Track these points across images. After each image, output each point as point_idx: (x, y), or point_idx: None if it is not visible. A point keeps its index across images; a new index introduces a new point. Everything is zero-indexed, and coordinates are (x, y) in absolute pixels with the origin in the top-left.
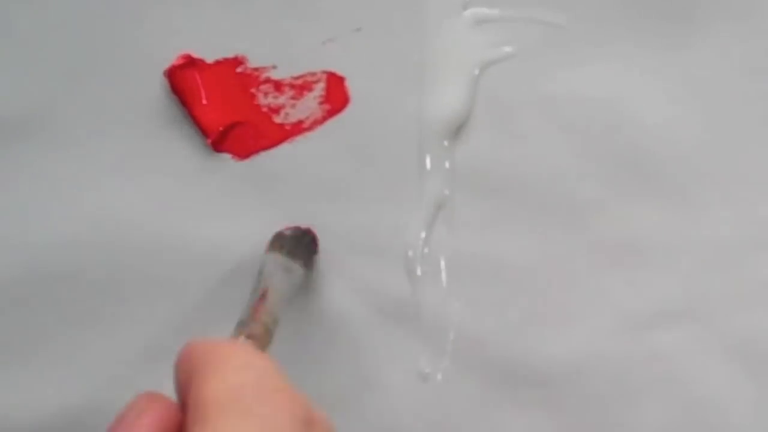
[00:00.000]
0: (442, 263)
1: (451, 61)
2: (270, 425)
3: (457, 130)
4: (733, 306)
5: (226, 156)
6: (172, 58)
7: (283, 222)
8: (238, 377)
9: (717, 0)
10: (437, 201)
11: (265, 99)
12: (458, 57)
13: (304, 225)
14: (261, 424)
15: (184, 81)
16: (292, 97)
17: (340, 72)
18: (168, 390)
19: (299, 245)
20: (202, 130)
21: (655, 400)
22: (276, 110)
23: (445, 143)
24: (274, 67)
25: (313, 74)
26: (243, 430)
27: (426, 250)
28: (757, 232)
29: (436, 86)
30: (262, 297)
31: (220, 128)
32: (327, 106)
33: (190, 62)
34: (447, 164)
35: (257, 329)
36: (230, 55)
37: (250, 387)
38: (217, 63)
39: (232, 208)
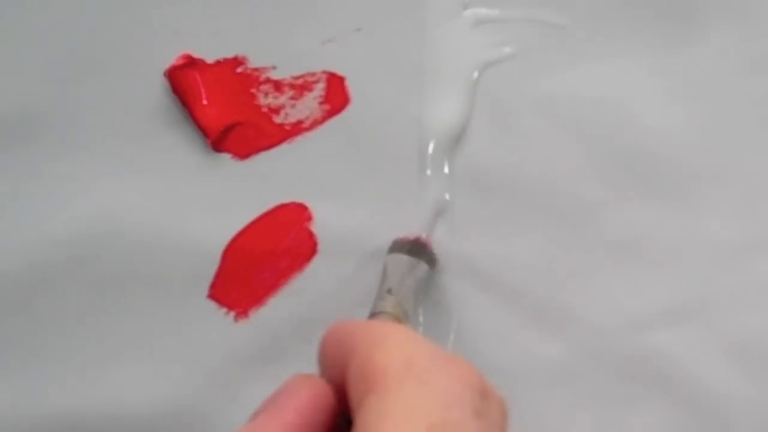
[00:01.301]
0: (442, 264)
1: (450, 62)
2: (448, 394)
3: (456, 141)
4: (733, 306)
5: (227, 156)
6: (172, 59)
7: None
8: (410, 347)
9: (717, 0)
10: (437, 206)
11: (265, 99)
12: (458, 58)
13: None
14: (438, 393)
15: (184, 81)
16: (292, 97)
17: (340, 72)
18: (168, 389)
19: (418, 247)
20: (203, 130)
21: (655, 400)
22: (276, 110)
23: (445, 155)
24: (274, 67)
25: (313, 74)
26: (422, 398)
27: None
28: (757, 232)
29: (436, 95)
30: (387, 293)
31: (221, 128)
32: (327, 106)
33: (191, 62)
34: (446, 171)
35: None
36: (230, 55)
37: (424, 355)
38: (218, 63)
39: (233, 208)
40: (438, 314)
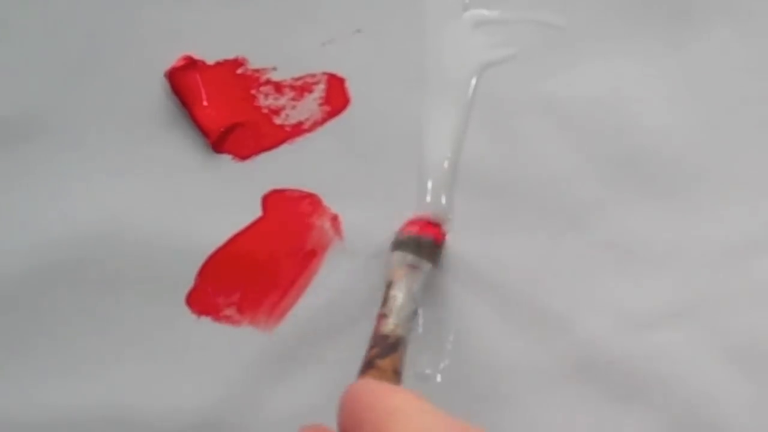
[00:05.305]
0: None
1: (451, 64)
2: None
3: (452, 179)
4: (733, 306)
5: (227, 157)
6: (172, 59)
7: None
8: (420, 423)
9: (717, 0)
10: (437, 219)
11: (266, 100)
12: (458, 59)
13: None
14: None
15: (184, 82)
16: (293, 99)
17: (340, 73)
18: (169, 389)
19: (421, 245)
20: (203, 131)
21: (655, 400)
22: (276, 111)
23: (443, 190)
24: (275, 68)
25: (313, 75)
26: None
27: None
28: (757, 232)
29: (435, 103)
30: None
31: (221, 129)
32: (327, 108)
33: (191, 63)
34: (444, 202)
35: (385, 365)
36: (231, 56)
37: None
38: (218, 64)
39: (233, 209)
40: (438, 314)
